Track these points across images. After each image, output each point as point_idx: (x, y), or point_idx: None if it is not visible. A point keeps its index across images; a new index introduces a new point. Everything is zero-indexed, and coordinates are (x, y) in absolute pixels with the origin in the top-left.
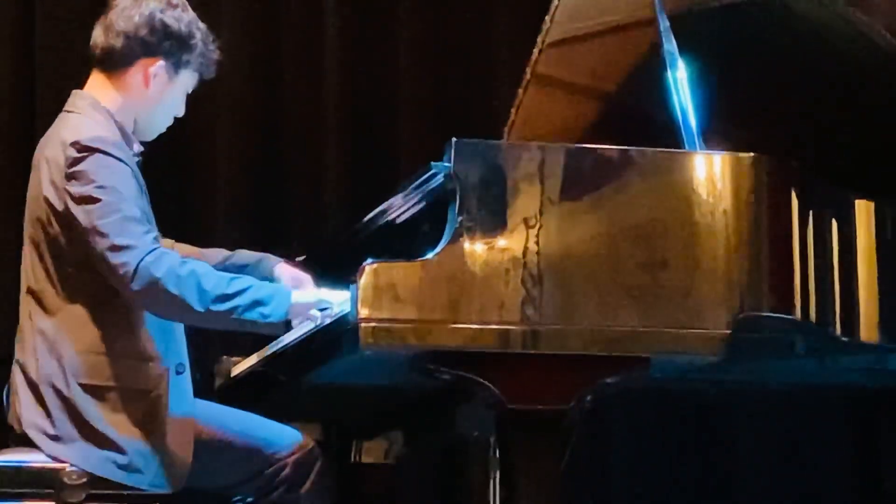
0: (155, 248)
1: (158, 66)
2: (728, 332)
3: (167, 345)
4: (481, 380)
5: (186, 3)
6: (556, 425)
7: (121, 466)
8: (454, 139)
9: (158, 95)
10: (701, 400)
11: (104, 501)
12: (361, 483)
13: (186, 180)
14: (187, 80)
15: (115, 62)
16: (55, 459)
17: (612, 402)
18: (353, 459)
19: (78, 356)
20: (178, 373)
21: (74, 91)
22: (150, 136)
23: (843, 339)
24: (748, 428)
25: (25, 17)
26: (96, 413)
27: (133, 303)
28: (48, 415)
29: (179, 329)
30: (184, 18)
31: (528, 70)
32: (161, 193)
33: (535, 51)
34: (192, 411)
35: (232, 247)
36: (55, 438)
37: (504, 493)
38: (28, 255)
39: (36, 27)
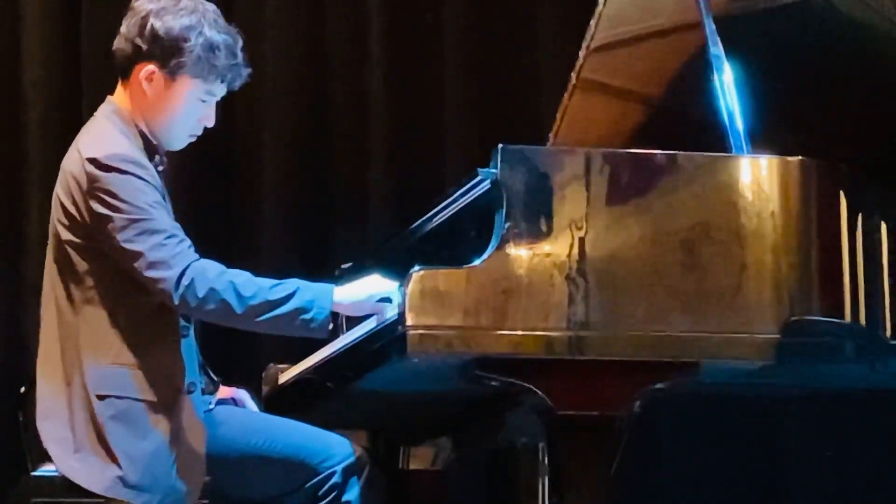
0: (191, 263)
1: (148, 70)
2: (777, 336)
3: (181, 362)
4: (530, 386)
5: (201, 6)
6: (605, 431)
7: (129, 485)
8: (500, 145)
9: (160, 101)
10: (751, 405)
11: None
12: (410, 490)
13: (232, 191)
14: (192, 87)
15: (121, 68)
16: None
17: (661, 408)
18: (401, 466)
19: (97, 367)
20: (189, 391)
21: (107, 97)
22: (173, 145)
23: (894, 342)
24: (800, 433)
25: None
26: (111, 425)
27: (178, 311)
28: (71, 425)
29: (190, 348)
30: (178, 23)
31: (573, 75)
32: (207, 205)
33: (580, 56)
34: (202, 429)
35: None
36: (73, 451)
37: (554, 499)
38: (50, 265)
39: (82, 25)
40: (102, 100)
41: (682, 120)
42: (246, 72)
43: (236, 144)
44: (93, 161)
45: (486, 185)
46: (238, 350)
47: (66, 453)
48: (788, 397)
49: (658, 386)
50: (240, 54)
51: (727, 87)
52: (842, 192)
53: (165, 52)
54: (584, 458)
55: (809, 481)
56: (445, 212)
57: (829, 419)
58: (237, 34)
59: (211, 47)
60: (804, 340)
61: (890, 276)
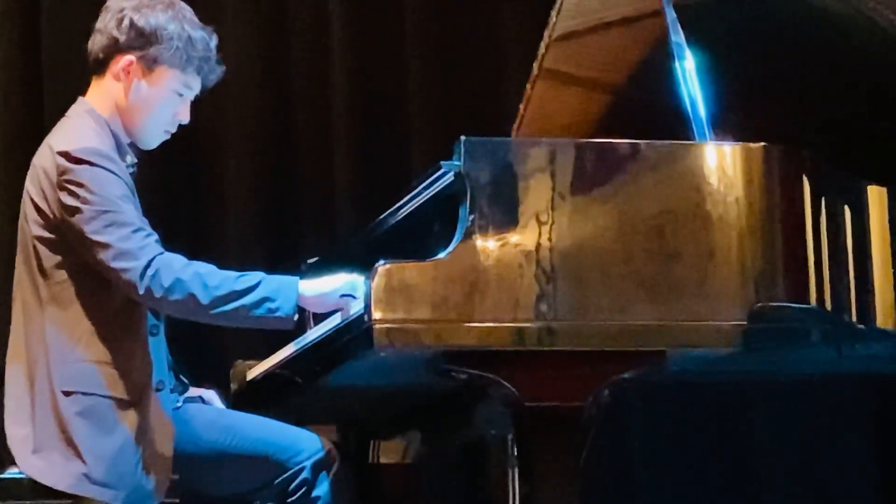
0: (157, 255)
1: (126, 60)
2: (744, 322)
3: (149, 360)
4: (497, 378)
5: (177, 4)
6: (573, 421)
7: (94, 482)
8: (463, 137)
9: (137, 94)
10: (719, 392)
11: None
12: (380, 484)
13: (196, 186)
14: (170, 78)
15: (97, 63)
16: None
17: (629, 397)
18: (371, 460)
19: (63, 364)
20: (157, 389)
21: (79, 98)
22: (147, 141)
23: (859, 326)
24: (767, 419)
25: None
26: (77, 422)
27: (142, 304)
28: (33, 422)
29: (159, 347)
30: (155, 16)
31: (536, 65)
32: (171, 199)
33: (542, 45)
34: (170, 426)
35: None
36: (34, 450)
37: (523, 490)
38: (19, 262)
39: (42, 32)
40: (65, 100)
41: (646, 108)
42: (220, 69)
43: (200, 140)
44: (64, 154)
45: (450, 177)
46: (205, 350)
47: (27, 451)
48: (757, 384)
49: (625, 375)
50: (214, 50)
51: (689, 74)
52: (805, 178)
53: (144, 41)
54: (552, 448)
55: (779, 468)
56: (410, 205)
57: (797, 405)
58: (212, 32)
59: (189, 39)
60: (770, 326)
61: (854, 260)
